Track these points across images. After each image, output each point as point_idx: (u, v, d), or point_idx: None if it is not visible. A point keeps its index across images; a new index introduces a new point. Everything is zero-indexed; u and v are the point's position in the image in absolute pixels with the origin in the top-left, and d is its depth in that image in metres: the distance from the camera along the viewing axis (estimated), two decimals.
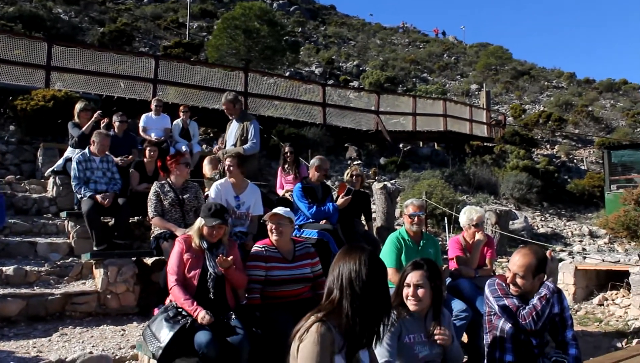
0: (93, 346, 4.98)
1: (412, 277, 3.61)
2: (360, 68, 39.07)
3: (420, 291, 3.58)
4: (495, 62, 45.94)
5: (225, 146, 7.95)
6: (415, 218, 5.52)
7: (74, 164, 6.91)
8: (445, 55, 50.14)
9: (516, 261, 3.82)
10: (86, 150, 7.10)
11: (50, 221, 7.83)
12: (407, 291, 3.62)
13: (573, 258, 9.76)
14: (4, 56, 13.30)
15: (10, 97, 11.93)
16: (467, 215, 6.02)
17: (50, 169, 8.79)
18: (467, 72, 44.83)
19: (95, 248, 6.34)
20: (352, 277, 2.63)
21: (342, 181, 7.17)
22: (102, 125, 8.77)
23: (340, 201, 6.87)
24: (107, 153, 7.23)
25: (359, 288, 2.61)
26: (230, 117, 7.88)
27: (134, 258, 6.32)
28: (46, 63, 13.34)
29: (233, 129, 7.75)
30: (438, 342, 3.61)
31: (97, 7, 36.19)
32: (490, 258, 6.08)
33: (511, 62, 47.97)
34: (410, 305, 3.61)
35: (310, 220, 6.59)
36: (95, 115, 8.64)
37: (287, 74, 29.09)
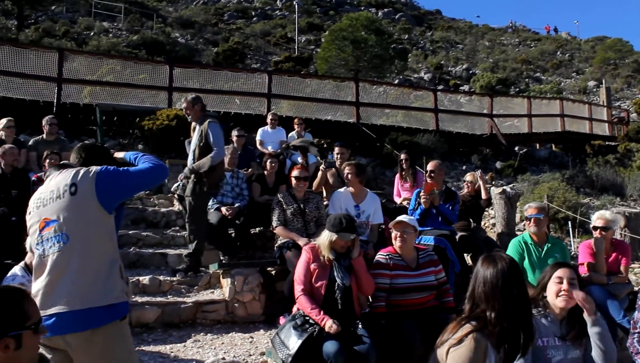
0: (224, 352, 5.16)
1: (566, 273, 3.49)
2: (470, 71, 38.31)
3: (575, 289, 3.46)
4: (614, 56, 43.41)
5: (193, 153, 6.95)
6: (532, 220, 5.34)
7: None
8: (558, 52, 48.14)
9: None
10: None
11: (178, 234, 8.25)
12: (559, 287, 3.48)
13: None
14: (132, 80, 14.27)
15: (138, 119, 12.76)
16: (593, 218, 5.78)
17: (175, 185, 9.23)
18: (584, 69, 42.74)
19: (222, 259, 6.59)
20: (493, 287, 2.58)
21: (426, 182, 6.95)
22: None
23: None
24: (237, 169, 7.51)
25: (501, 297, 2.56)
26: (188, 119, 7.20)
27: (258, 268, 6.51)
28: (168, 85, 14.14)
29: (195, 135, 6.97)
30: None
31: (211, 29, 37.99)
32: (625, 265, 5.70)
33: (632, 54, 45.05)
34: (562, 301, 3.47)
35: (427, 227, 6.51)
36: None
37: (397, 81, 29.09)
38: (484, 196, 7.75)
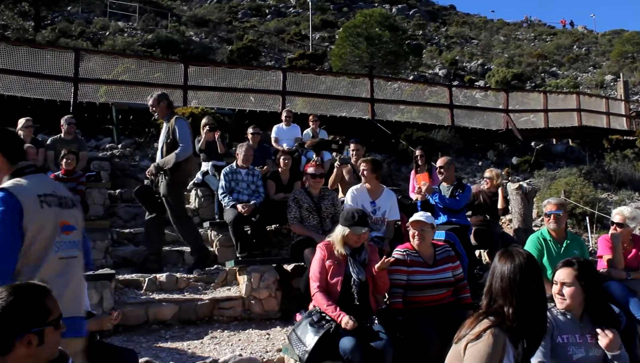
0: (241, 349, 5.18)
1: (560, 275, 3.45)
2: (485, 67, 38.09)
3: (566, 290, 3.41)
4: (631, 49, 42.79)
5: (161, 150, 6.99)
6: (551, 216, 5.29)
7: (221, 175, 7.27)
8: (574, 46, 47.66)
9: None
10: (234, 163, 7.44)
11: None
12: (554, 289, 3.48)
13: None
14: (147, 79, 14.35)
15: (153, 117, 12.80)
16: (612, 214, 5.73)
17: (191, 183, 9.26)
18: (600, 63, 42.27)
19: (238, 256, 6.61)
20: (511, 282, 2.58)
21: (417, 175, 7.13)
22: (216, 137, 9.21)
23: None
24: (252, 166, 7.53)
25: (519, 293, 2.55)
26: (155, 116, 7.21)
27: (274, 265, 6.52)
28: (183, 83, 14.17)
29: (163, 132, 7.02)
30: (600, 344, 3.39)
31: (225, 27, 38.11)
32: None
33: None
34: (557, 303, 3.47)
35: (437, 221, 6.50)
36: (216, 135, 9.13)
37: (411, 78, 29.00)
38: (499, 205, 7.63)
